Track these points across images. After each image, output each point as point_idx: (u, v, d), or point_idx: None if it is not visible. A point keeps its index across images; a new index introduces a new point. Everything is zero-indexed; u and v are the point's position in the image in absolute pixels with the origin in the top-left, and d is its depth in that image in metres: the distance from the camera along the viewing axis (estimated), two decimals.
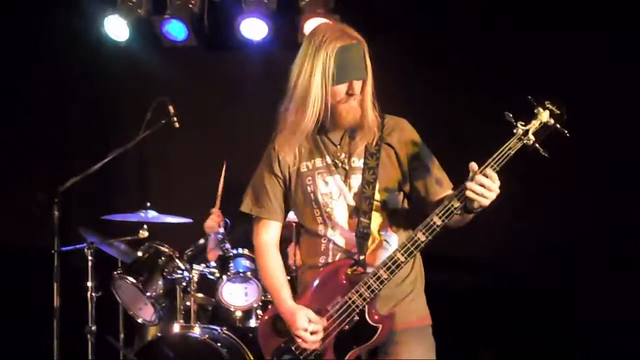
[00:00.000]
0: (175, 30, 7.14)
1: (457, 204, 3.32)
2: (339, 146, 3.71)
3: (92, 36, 7.13)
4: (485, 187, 3.21)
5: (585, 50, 6.10)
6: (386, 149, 3.67)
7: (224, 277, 5.64)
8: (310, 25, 7.06)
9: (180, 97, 5.93)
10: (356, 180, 3.64)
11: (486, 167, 3.25)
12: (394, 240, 3.68)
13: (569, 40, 6.16)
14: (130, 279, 5.48)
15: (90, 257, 5.63)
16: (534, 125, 3.28)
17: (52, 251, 5.34)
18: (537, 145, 3.27)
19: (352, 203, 3.64)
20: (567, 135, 3.28)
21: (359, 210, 3.60)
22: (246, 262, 5.76)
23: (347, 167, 3.67)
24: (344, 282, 3.57)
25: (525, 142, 3.27)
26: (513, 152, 3.27)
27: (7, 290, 6.44)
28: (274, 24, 7.05)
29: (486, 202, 3.26)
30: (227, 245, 5.82)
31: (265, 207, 3.83)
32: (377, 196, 3.62)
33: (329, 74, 3.49)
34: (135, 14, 7.06)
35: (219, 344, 5.33)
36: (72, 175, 5.48)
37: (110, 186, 7.11)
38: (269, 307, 4.01)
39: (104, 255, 5.90)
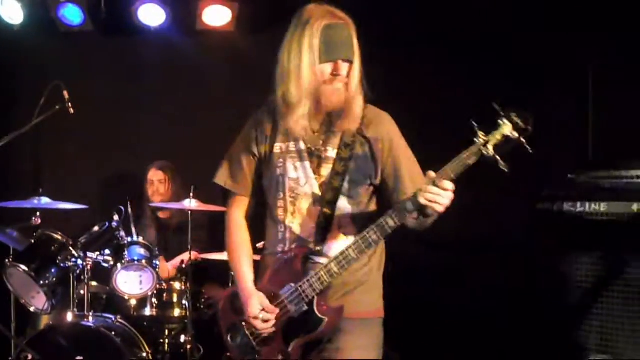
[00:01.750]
0: (72, 14, 7.03)
1: (410, 207, 3.30)
2: (316, 133, 3.63)
3: None
4: (438, 195, 3.20)
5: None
6: (361, 141, 3.61)
7: (119, 265, 5.62)
8: (209, 12, 7.06)
9: (76, 83, 5.84)
10: (326, 170, 3.60)
11: (441, 175, 3.21)
12: (354, 234, 3.61)
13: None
14: (22, 267, 5.38)
15: None
16: (495, 137, 3.17)
17: None
18: (496, 157, 3.17)
19: (318, 192, 3.60)
20: (531, 152, 3.15)
21: (323, 200, 3.58)
22: (141, 250, 5.76)
23: (320, 156, 3.61)
24: (299, 270, 3.56)
25: (483, 153, 3.18)
26: (471, 162, 3.20)
27: None
28: (172, 10, 7.00)
29: (440, 209, 3.25)
30: (122, 233, 5.78)
31: (240, 183, 3.77)
32: (345, 189, 3.59)
33: (315, 51, 3.41)
34: None
35: (113, 333, 5.31)
36: None
37: (2, 172, 6.98)
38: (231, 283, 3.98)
39: None
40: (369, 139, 3.60)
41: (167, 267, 6.23)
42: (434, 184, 3.19)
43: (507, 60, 6.32)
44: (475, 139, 3.19)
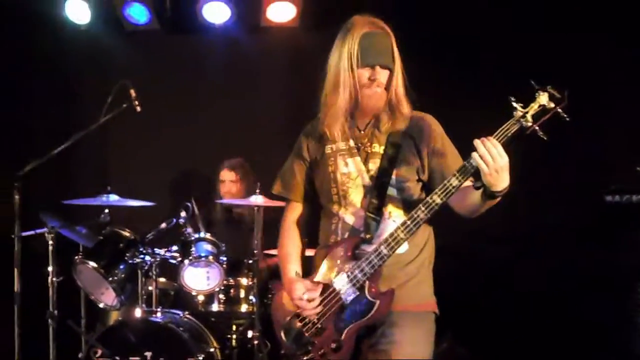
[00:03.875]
0: (137, 13, 7.11)
1: (455, 182, 3.38)
2: (363, 132, 3.81)
3: (53, 19, 7.07)
4: (488, 152, 3.23)
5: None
6: (408, 139, 3.75)
7: (186, 261, 5.65)
8: (273, 8, 7.07)
9: (142, 81, 5.89)
10: (374, 164, 3.75)
11: (498, 133, 3.29)
12: None
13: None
14: (92, 263, 5.45)
15: (51, 242, 5.59)
16: (533, 107, 3.29)
17: (13, 236, 5.30)
18: (535, 127, 3.28)
19: (368, 184, 3.74)
20: (567, 119, 3.27)
21: (373, 192, 3.71)
22: (208, 246, 5.77)
23: (368, 151, 3.77)
24: (350, 258, 3.66)
25: (523, 124, 3.28)
26: (511, 134, 3.29)
27: None
28: (237, 7, 7.02)
29: (489, 168, 3.24)
30: (189, 230, 5.82)
31: (292, 189, 4.03)
32: (393, 182, 3.71)
33: (353, 57, 3.64)
34: None
35: (180, 329, 5.34)
36: (32, 159, 5.44)
37: (71, 170, 7.07)
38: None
39: (65, 240, 5.86)
40: (414, 137, 3.75)
41: None
42: (480, 142, 3.26)
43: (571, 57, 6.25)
44: (514, 112, 3.30)
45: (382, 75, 3.69)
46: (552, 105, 3.27)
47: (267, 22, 7.18)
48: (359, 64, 3.65)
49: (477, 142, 3.26)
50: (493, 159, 3.22)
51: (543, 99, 3.28)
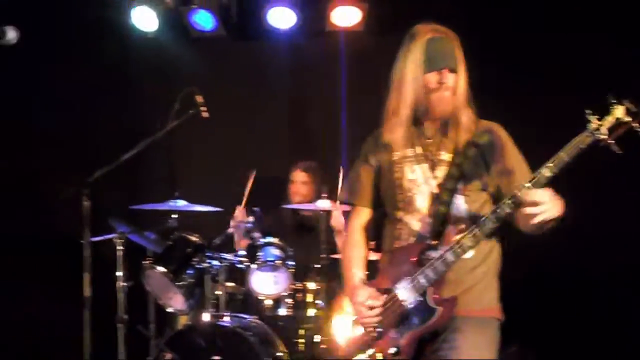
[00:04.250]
0: (203, 20, 7.17)
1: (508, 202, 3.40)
2: (430, 139, 3.80)
3: (120, 27, 7.16)
4: (535, 206, 3.26)
5: None
6: (475, 149, 3.72)
7: (253, 265, 5.66)
8: (338, 12, 7.06)
9: (208, 87, 5.93)
10: (441, 171, 3.73)
11: (550, 163, 3.28)
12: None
13: None
14: (160, 268, 5.49)
15: (120, 247, 5.67)
16: (608, 120, 3.24)
17: (82, 241, 5.37)
18: (609, 141, 3.23)
19: (435, 191, 3.72)
20: None
21: (439, 199, 3.69)
22: (275, 251, 5.77)
23: (435, 159, 3.76)
24: (414, 264, 3.64)
25: (597, 136, 3.24)
26: (584, 145, 3.26)
27: (38, 280, 6.48)
28: (302, 12, 7.04)
29: (542, 218, 3.27)
30: (257, 234, 5.84)
31: (357, 194, 4.04)
32: (460, 189, 3.69)
33: (419, 63, 3.66)
34: (163, 5, 7.09)
35: (248, 333, 5.33)
36: (101, 166, 5.50)
37: (139, 176, 7.14)
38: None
39: (134, 245, 5.92)
40: (482, 148, 3.71)
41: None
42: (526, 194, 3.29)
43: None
44: (587, 124, 3.26)
45: (450, 78, 3.67)
46: (629, 119, 3.22)
47: (332, 27, 7.18)
48: (426, 69, 3.66)
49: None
50: (540, 207, 3.25)
51: (619, 112, 3.23)
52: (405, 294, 3.62)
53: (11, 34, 3.22)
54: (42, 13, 6.58)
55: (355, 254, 4.01)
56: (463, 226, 3.65)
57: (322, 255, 5.82)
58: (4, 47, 3.20)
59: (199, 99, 5.74)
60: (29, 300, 6.41)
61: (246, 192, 6.32)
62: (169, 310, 5.70)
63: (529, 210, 3.27)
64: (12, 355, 6.47)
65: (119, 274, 5.65)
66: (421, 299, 3.58)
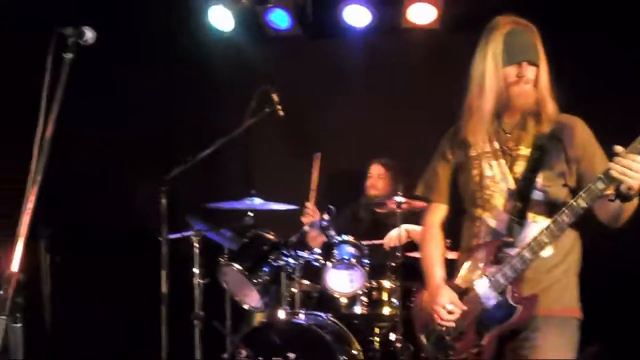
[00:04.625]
0: (279, 19, 7.20)
1: (600, 186, 3.28)
2: (509, 134, 3.75)
3: (196, 27, 7.23)
4: (629, 167, 3.14)
5: None
6: (555, 143, 3.67)
7: (329, 263, 5.66)
8: (414, 10, 7.03)
9: (284, 86, 5.96)
10: (520, 167, 3.69)
11: (630, 150, 3.16)
12: None
13: None
14: (236, 265, 5.53)
15: (196, 245, 5.72)
16: None
17: (160, 239, 5.44)
18: None
19: (513, 187, 3.67)
20: None
21: (517, 195, 3.65)
22: (351, 249, 5.76)
23: (513, 154, 3.72)
24: (492, 262, 3.62)
25: None
26: None
27: (116, 277, 6.58)
28: (377, 9, 7.02)
29: (633, 182, 3.16)
30: (332, 232, 5.83)
31: (434, 191, 4.01)
32: (538, 185, 3.63)
33: (499, 56, 3.62)
34: (240, 4, 7.14)
35: (324, 331, 5.34)
36: (179, 164, 5.57)
37: (216, 174, 7.18)
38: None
39: (211, 243, 5.98)
40: (562, 141, 3.64)
41: None
42: (623, 156, 3.15)
43: None
44: None
45: (530, 71, 3.62)
46: None
47: (408, 24, 7.14)
48: (505, 62, 3.61)
49: (614, 162, 3.17)
50: (636, 174, 3.15)
51: None
52: (484, 292, 3.59)
53: (89, 35, 3.26)
54: (120, 14, 6.68)
55: (435, 252, 3.98)
56: (540, 223, 3.58)
57: (397, 253, 5.81)
58: (82, 48, 3.24)
59: (275, 97, 5.77)
60: (108, 297, 6.51)
61: (313, 179, 6.29)
62: (245, 307, 5.74)
63: (620, 168, 3.15)
64: (92, 351, 6.57)
65: (196, 271, 5.71)
66: (500, 297, 3.54)
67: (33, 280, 6.34)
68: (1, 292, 2.89)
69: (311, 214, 6.24)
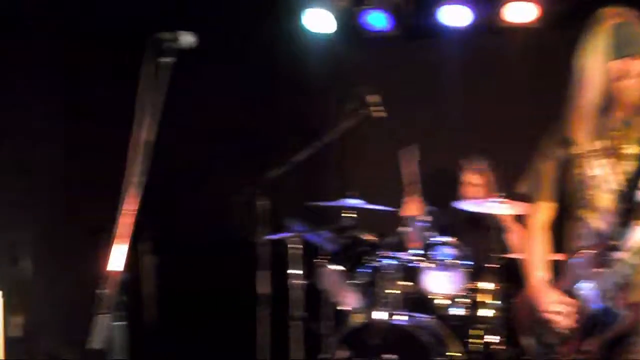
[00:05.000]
0: (376, 20, 7.19)
1: None
2: (615, 132, 3.63)
3: (294, 30, 7.27)
4: None
5: None
6: None
7: (428, 264, 5.63)
8: (513, 8, 6.95)
9: (382, 87, 5.95)
10: (626, 166, 3.57)
11: None
12: None
13: None
14: (335, 266, 5.56)
15: (295, 246, 5.76)
16: None
17: (259, 240, 5.50)
18: None
19: (618, 188, 3.57)
20: None
21: (623, 196, 3.53)
22: (450, 250, 5.71)
23: (619, 153, 3.60)
24: (598, 265, 3.52)
25: None
26: None
27: (217, 279, 6.67)
28: (476, 8, 6.96)
29: None
30: (432, 233, 5.80)
31: (538, 190, 3.91)
32: None
33: (604, 50, 3.49)
34: (337, 6, 7.15)
35: (423, 332, 5.31)
36: (277, 166, 5.61)
37: (314, 175, 7.22)
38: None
39: (309, 244, 6.01)
40: None
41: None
42: None
43: None
44: None
45: (636, 64, 3.48)
46: None
47: (507, 23, 7.06)
48: (611, 56, 3.47)
49: None
50: None
51: None
52: (590, 296, 3.49)
53: (186, 39, 3.32)
54: (219, 18, 6.78)
55: (538, 253, 3.90)
56: None
57: (497, 255, 5.74)
58: (181, 51, 3.30)
59: (373, 98, 5.77)
60: (207, 298, 6.61)
61: (406, 175, 6.26)
62: (343, 308, 5.76)
63: None
64: (191, 351, 6.68)
65: (294, 272, 5.74)
66: (607, 302, 3.44)
67: (135, 280, 6.49)
68: (105, 291, 2.97)
69: (410, 207, 6.17)
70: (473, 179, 6.49)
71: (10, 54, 6.11)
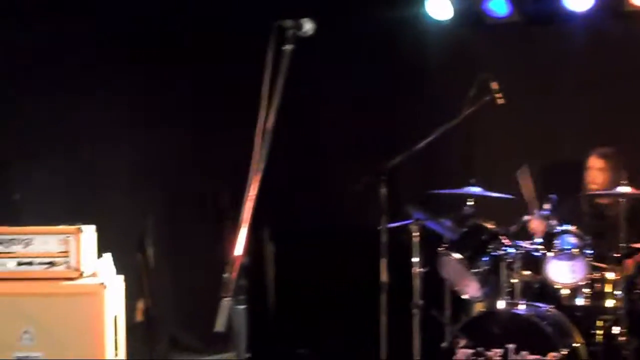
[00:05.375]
0: (497, 6, 7.11)
1: None
2: None
3: (415, 17, 7.25)
4: None
5: None
6: None
7: (550, 254, 5.56)
8: None
9: (504, 74, 5.89)
10: None
11: None
12: None
13: None
14: (456, 255, 5.54)
15: (416, 234, 5.75)
16: None
17: (379, 228, 5.51)
18: None
19: None
20: None
21: None
22: (573, 239, 5.62)
23: None
24: None
25: None
26: None
27: (337, 266, 6.72)
28: None
29: None
30: (554, 222, 5.72)
31: None
32: None
33: None
34: None
35: (544, 322, 5.27)
36: (399, 153, 5.62)
37: (436, 163, 7.18)
38: None
39: (430, 232, 5.99)
40: None
41: None
42: None
43: None
44: None
45: None
46: None
47: (631, 7, 6.87)
48: None
49: None
50: None
51: None
52: None
53: (308, 26, 3.35)
54: (340, 6, 6.82)
55: None
56: None
57: (621, 245, 5.61)
58: (300, 39, 3.33)
59: (494, 85, 5.73)
60: (327, 285, 6.67)
61: (525, 193, 6.17)
62: (464, 296, 5.74)
63: None
64: (311, 336, 6.77)
65: (415, 260, 5.74)
66: None
67: (257, 266, 6.59)
68: (227, 275, 3.02)
69: (533, 224, 6.08)
70: (598, 163, 6.33)
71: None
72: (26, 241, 5.03)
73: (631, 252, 5.63)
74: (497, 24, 7.27)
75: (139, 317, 6.39)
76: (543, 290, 5.84)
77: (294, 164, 6.70)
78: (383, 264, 5.51)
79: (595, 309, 5.68)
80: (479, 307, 5.90)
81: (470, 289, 5.68)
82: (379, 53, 7.26)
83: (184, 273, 6.84)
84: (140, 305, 6.42)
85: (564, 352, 5.13)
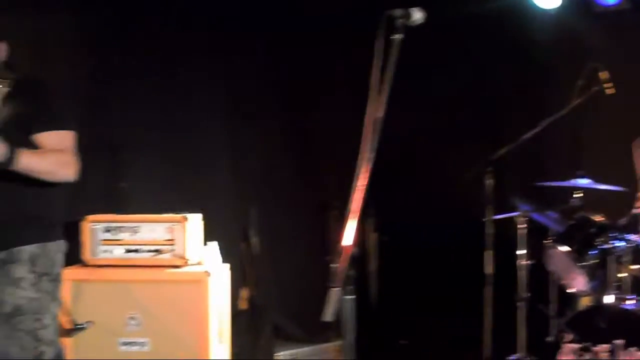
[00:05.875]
0: None
1: None
2: None
3: (522, 6, 7.14)
4: None
5: None
6: None
7: None
8: None
9: (614, 63, 5.76)
10: None
11: None
12: None
13: None
14: (562, 247, 5.45)
15: (522, 226, 5.69)
16: None
17: (484, 219, 5.47)
18: None
19: None
20: None
21: None
22: None
23: None
24: None
25: None
26: None
27: (442, 257, 6.69)
28: None
29: None
30: None
31: None
32: None
33: None
34: None
35: None
36: (506, 144, 5.56)
37: (543, 154, 7.08)
38: None
39: (536, 224, 5.91)
40: None
41: None
42: None
43: None
44: None
45: None
46: None
47: None
48: None
49: None
50: None
51: None
52: None
53: (417, 15, 3.34)
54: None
55: None
56: None
57: None
58: (410, 28, 3.32)
59: (603, 75, 5.61)
60: (431, 276, 6.65)
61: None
62: (571, 290, 5.64)
63: None
64: (414, 327, 6.75)
65: (521, 252, 5.67)
66: None
67: (361, 256, 6.60)
68: (335, 265, 3.03)
69: None
70: None
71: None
72: (134, 229, 5.15)
73: None
74: (607, 12, 7.11)
75: (243, 305, 6.47)
76: None
77: (399, 154, 6.69)
78: (488, 255, 5.46)
79: None
80: (585, 302, 5.78)
81: (577, 283, 5.57)
82: (489, 43, 7.18)
83: (287, 263, 6.89)
84: (245, 293, 6.49)
85: None
